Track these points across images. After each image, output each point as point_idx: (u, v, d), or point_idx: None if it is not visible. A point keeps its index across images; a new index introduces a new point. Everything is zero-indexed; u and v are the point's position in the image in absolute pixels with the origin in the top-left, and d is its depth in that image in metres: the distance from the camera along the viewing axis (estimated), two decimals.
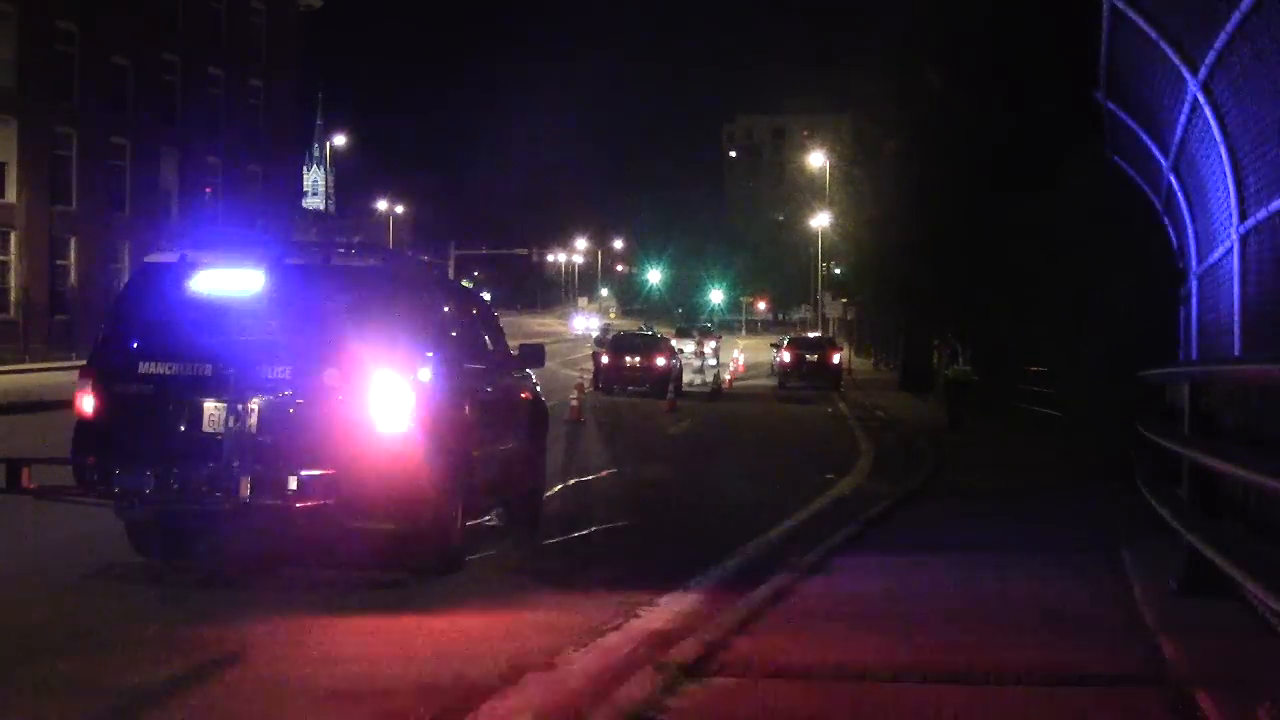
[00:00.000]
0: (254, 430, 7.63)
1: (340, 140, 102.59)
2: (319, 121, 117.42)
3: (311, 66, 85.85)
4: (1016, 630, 6.93)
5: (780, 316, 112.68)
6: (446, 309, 9.51)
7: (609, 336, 40.26)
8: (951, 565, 9.27)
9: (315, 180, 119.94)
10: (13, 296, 40.35)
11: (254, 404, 7.65)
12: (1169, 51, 8.24)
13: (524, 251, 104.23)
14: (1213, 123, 8.01)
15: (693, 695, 5.32)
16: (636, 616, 7.04)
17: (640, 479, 14.48)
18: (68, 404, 8.56)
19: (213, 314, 7.99)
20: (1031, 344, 22.21)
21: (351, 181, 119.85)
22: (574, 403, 22.70)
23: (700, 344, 47.48)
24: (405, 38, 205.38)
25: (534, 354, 11.21)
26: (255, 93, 52.07)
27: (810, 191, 66.64)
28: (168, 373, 7.84)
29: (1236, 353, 8.15)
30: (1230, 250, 8.34)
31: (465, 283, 56.27)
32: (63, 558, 8.40)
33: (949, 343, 28.77)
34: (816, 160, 63.97)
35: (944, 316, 30.71)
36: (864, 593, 8.08)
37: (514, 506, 10.34)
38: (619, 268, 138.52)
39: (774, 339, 57.99)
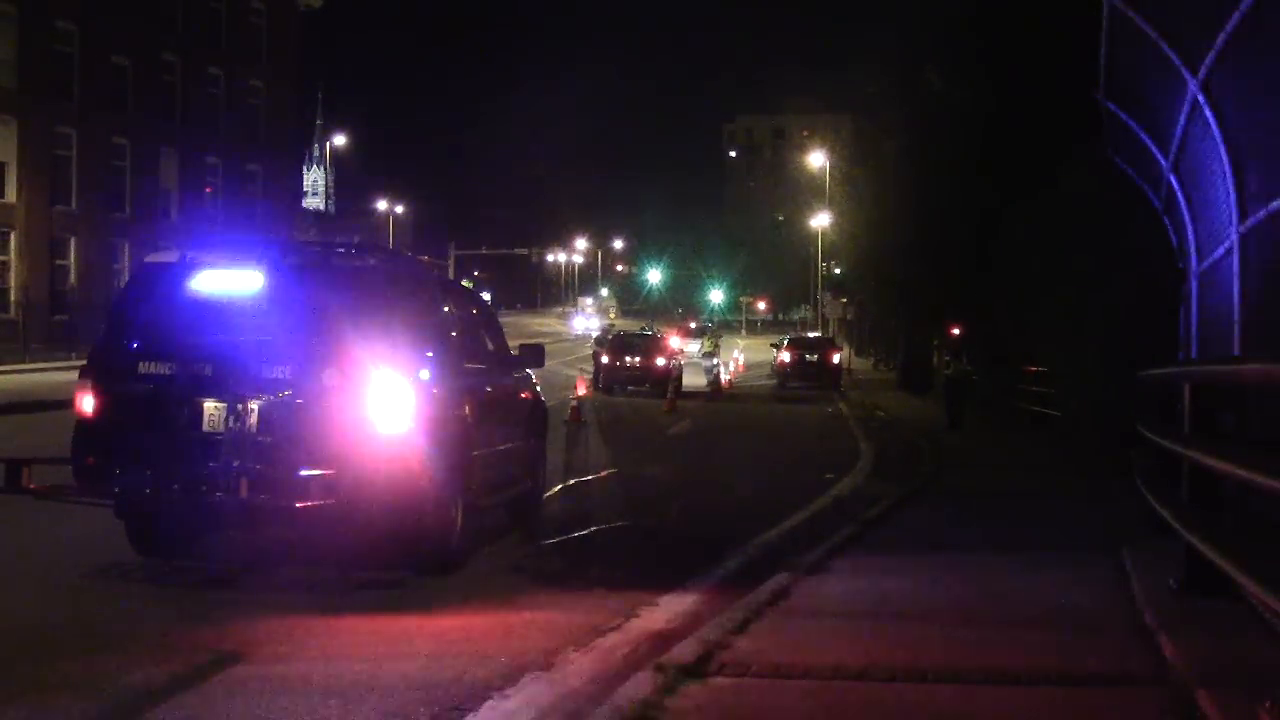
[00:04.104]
0: (254, 430, 7.62)
1: (340, 140, 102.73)
2: (319, 121, 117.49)
3: (311, 66, 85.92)
4: (1016, 629, 6.92)
5: (780, 316, 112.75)
6: (446, 309, 9.51)
7: (609, 336, 40.26)
8: (951, 565, 9.26)
9: (315, 180, 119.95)
10: (13, 296, 40.35)
11: (254, 404, 7.65)
12: (1169, 51, 8.24)
13: (524, 251, 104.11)
14: (1213, 123, 8.02)
15: (693, 695, 5.31)
16: (636, 616, 7.04)
17: (640, 479, 14.47)
18: (68, 404, 8.55)
19: (213, 314, 7.99)
20: (1031, 344, 22.20)
21: (351, 181, 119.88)
22: (574, 403, 22.69)
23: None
24: (405, 37, 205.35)
25: (534, 354, 11.21)
26: (255, 93, 52.09)
27: (810, 191, 66.70)
28: (168, 373, 7.83)
29: (1236, 353, 8.15)
30: (1230, 250, 8.34)
31: (465, 283, 56.24)
32: (63, 558, 8.40)
33: (948, 342, 28.78)
34: (816, 160, 64.02)
35: (944, 317, 30.70)
36: (864, 592, 8.08)
37: (514, 506, 10.34)
38: (619, 268, 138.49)
39: (774, 339, 57.97)
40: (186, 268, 8.18)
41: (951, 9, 27.98)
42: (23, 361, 34.67)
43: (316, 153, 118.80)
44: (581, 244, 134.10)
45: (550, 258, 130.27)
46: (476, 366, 9.60)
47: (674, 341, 37.91)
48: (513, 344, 11.10)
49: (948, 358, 27.53)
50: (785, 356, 40.52)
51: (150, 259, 8.66)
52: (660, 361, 32.69)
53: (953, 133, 27.04)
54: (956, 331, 28.68)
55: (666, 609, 7.28)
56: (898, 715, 5.27)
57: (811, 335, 52.13)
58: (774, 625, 6.85)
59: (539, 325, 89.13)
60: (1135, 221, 14.32)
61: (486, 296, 28.70)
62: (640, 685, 5.40)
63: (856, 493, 13.94)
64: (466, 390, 9.02)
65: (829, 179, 56.67)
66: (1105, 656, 6.22)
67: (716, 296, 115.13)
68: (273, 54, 52.69)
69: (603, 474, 14.48)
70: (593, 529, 10.53)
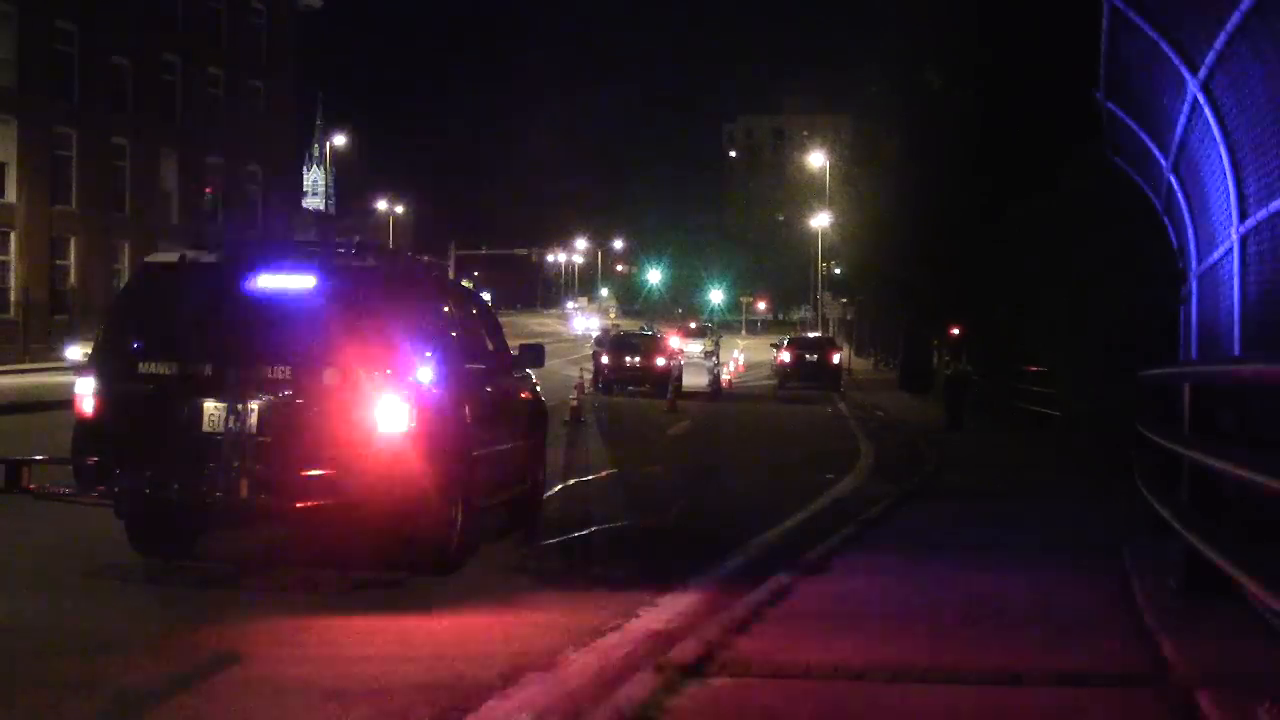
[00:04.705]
0: (254, 430, 7.62)
1: (340, 140, 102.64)
2: (319, 121, 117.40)
3: (311, 66, 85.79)
4: (1016, 629, 6.92)
5: (780, 316, 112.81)
6: (446, 309, 9.50)
7: (609, 336, 40.25)
8: (951, 565, 9.26)
9: (315, 180, 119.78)
10: (13, 296, 40.36)
11: (254, 404, 7.64)
12: (1169, 51, 8.24)
13: (524, 251, 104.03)
14: (1213, 123, 8.01)
15: (693, 695, 5.31)
16: (636, 616, 7.04)
17: (640, 479, 14.47)
18: (68, 404, 8.56)
19: (213, 314, 7.99)
20: (1031, 344, 22.22)
21: (351, 181, 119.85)
22: (574, 403, 22.69)
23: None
24: (406, 38, 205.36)
25: (534, 354, 11.20)
26: (255, 93, 52.06)
27: (810, 191, 66.68)
28: (168, 373, 7.84)
29: (1236, 353, 8.15)
30: (1230, 250, 8.34)
31: (465, 283, 56.21)
32: (63, 558, 8.40)
33: (948, 342, 28.79)
34: (816, 160, 64.02)
35: (944, 317, 30.73)
36: (863, 592, 8.08)
37: (514, 506, 10.34)
38: (619, 268, 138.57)
39: (774, 339, 58.00)
40: (186, 268, 8.18)
41: (951, 9, 28.01)
42: (23, 361, 34.71)
43: (316, 153, 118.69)
44: (581, 244, 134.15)
45: (550, 258, 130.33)
46: (476, 366, 9.59)
47: (674, 341, 37.88)
48: (513, 344, 11.09)
49: (948, 358, 27.57)
50: (785, 356, 40.55)
51: (150, 259, 8.66)
52: (660, 361, 32.67)
53: (953, 133, 27.06)
54: (956, 331, 28.69)
55: (666, 609, 7.28)
56: (898, 715, 5.26)
57: (811, 335, 52.16)
58: (774, 625, 6.85)
59: (539, 325, 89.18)
60: (1135, 221, 14.32)
61: (486, 296, 28.69)
62: (640, 685, 5.40)
63: (857, 493, 13.95)
64: (466, 390, 9.01)
65: (829, 179, 56.68)
66: (1105, 656, 6.22)
67: (716, 296, 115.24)
68: (273, 54, 52.67)
69: (603, 474, 14.48)
70: (593, 529, 10.52)
